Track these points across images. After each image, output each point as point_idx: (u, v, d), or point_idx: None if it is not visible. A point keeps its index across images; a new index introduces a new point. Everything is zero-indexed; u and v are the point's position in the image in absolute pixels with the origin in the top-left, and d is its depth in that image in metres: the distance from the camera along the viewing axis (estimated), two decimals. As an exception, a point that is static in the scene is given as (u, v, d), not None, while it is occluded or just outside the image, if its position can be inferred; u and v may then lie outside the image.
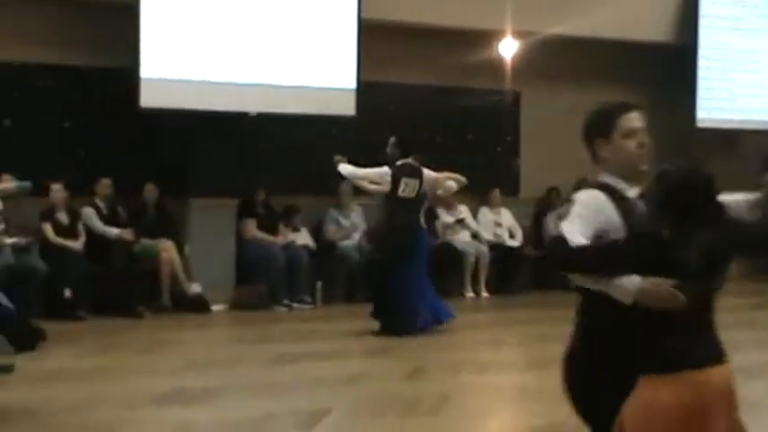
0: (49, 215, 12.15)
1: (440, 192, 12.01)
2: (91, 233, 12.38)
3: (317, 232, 14.04)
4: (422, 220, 11.50)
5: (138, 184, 12.73)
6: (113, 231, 12.42)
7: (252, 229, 13.35)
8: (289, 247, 13.34)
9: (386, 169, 11.12)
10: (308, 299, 13.30)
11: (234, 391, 8.29)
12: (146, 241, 12.64)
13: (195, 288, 12.70)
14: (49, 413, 7.34)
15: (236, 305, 12.96)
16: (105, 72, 12.63)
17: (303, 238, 13.70)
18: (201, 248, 12.95)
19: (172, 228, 12.96)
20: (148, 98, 12.39)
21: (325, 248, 13.80)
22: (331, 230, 13.99)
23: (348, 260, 13.77)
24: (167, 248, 12.62)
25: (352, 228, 14.06)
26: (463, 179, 11.60)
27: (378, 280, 11.35)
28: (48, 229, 12.06)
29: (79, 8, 12.37)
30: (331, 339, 11.05)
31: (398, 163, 11.16)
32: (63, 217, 12.24)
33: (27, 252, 11.73)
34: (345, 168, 11.26)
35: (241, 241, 13.33)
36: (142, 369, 9.19)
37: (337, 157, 11.36)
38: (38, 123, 12.57)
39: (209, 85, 12.73)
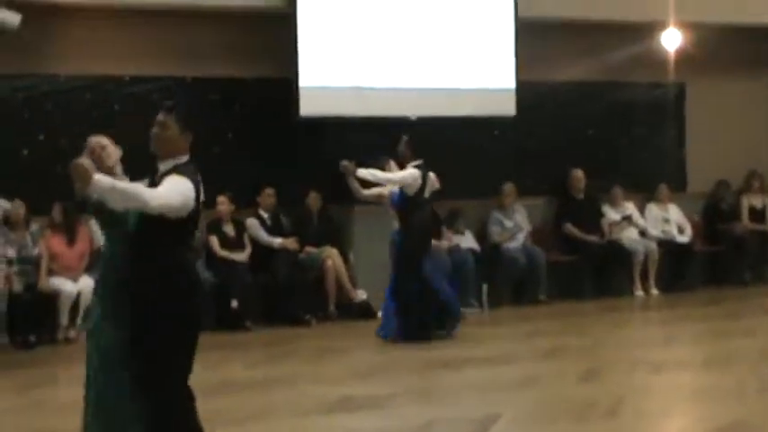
0: (215, 227, 12.29)
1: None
2: (256, 243, 12.47)
3: (481, 235, 13.85)
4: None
5: (301, 193, 12.77)
6: (277, 241, 12.49)
7: (415, 233, 13.22)
8: (453, 250, 13.19)
9: (416, 171, 10.90)
10: (475, 302, 13.14)
11: (401, 397, 8.18)
12: (310, 250, 12.67)
13: (361, 295, 12.68)
14: (221, 423, 7.33)
15: (402, 311, 12.85)
16: (265, 82, 12.74)
17: (467, 241, 13.55)
18: (366, 255, 12.91)
19: (336, 235, 12.97)
20: (308, 106, 12.45)
21: (489, 251, 13.61)
22: (495, 232, 13.79)
23: (513, 262, 13.55)
24: (332, 256, 12.63)
25: (516, 228, 13.83)
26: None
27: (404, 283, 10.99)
28: (214, 241, 12.20)
29: (240, 20, 12.49)
30: (499, 342, 10.87)
31: (417, 163, 10.95)
32: (229, 229, 12.37)
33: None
34: (368, 173, 10.90)
35: (405, 246, 13.22)
36: (310, 378, 9.16)
37: (346, 163, 10.94)
38: (203, 136, 12.67)
39: (368, 90, 12.71)
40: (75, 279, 11.26)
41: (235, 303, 11.88)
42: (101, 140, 6.14)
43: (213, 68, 12.65)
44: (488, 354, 10.07)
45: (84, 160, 5.33)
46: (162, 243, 5.37)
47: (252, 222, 12.57)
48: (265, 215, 12.66)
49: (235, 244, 12.34)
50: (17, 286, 11.00)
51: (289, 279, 12.31)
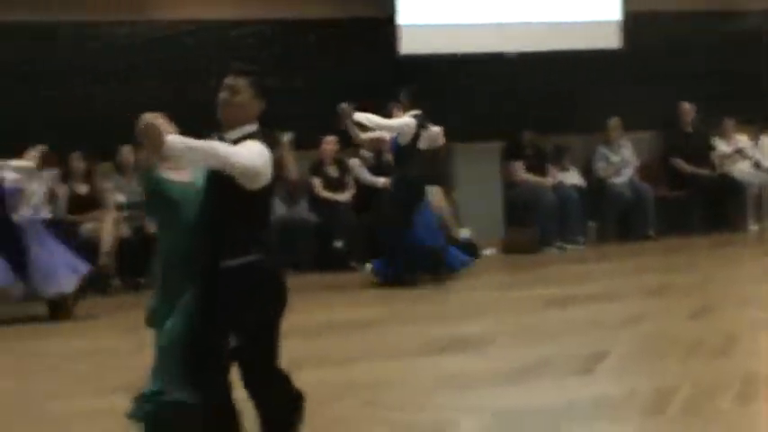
0: (318, 169, 12.30)
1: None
2: (359, 184, 12.46)
3: (586, 171, 13.65)
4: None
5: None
6: (381, 180, 12.43)
7: (520, 170, 13.13)
8: (558, 187, 13.05)
9: (412, 120, 10.63)
10: (581, 239, 13.01)
11: (508, 337, 8.12)
12: (413, 189, 12.61)
13: (465, 233, 12.59)
14: (326, 364, 7.38)
15: (507, 249, 12.80)
16: (363, 22, 12.65)
17: (572, 177, 13.37)
18: (469, 193, 12.83)
19: (439, 174, 12.87)
20: (408, 44, 12.33)
21: (595, 187, 13.41)
22: (600, 168, 13.56)
23: (620, 197, 13.33)
24: (435, 195, 12.53)
25: (622, 163, 13.59)
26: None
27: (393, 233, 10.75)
28: (316, 182, 12.22)
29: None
30: (606, 280, 10.71)
31: (414, 113, 10.70)
32: (332, 170, 12.38)
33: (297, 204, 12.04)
34: (365, 117, 10.57)
35: (509, 184, 13.13)
36: (415, 318, 9.13)
37: (344, 106, 10.63)
38: (305, 79, 12.72)
39: (467, 27, 12.55)
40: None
41: (339, 244, 11.90)
42: (155, 119, 5.13)
43: (312, 10, 12.60)
44: (594, 291, 9.93)
45: (157, 119, 4.79)
46: (237, 227, 4.77)
47: (355, 163, 12.54)
48: (368, 155, 12.61)
49: (338, 185, 12.34)
50: (126, 230, 11.15)
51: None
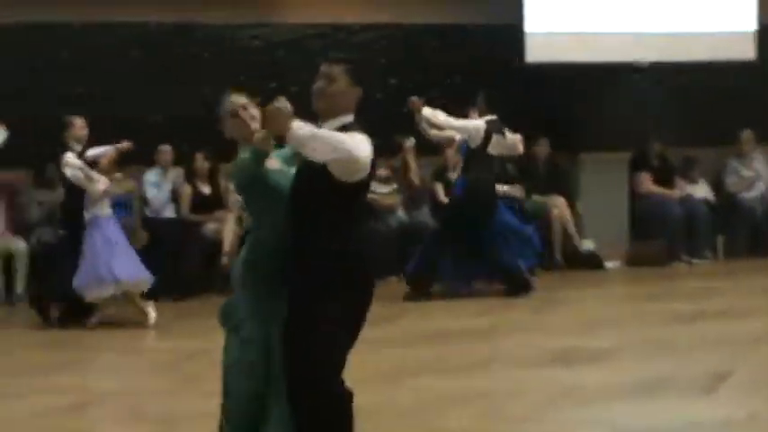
0: (440, 174, 12.23)
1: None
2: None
3: (716, 184, 13.30)
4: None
5: (527, 140, 12.53)
6: (502, 188, 12.31)
7: (647, 182, 12.88)
8: (686, 200, 12.75)
9: (482, 123, 10.38)
10: (709, 254, 12.71)
11: (627, 351, 7.93)
12: (536, 198, 12.47)
13: (588, 245, 12.40)
14: (439, 371, 7.31)
15: (632, 262, 12.54)
16: (489, 28, 12.53)
17: (702, 190, 13.06)
18: (593, 204, 12.63)
19: (563, 183, 12.72)
20: (534, 53, 12.17)
21: (725, 201, 13.06)
22: (731, 182, 13.20)
23: (751, 212, 12.97)
24: (558, 205, 12.40)
25: (754, 177, 13.19)
26: None
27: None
28: (439, 188, 12.14)
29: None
30: (733, 296, 10.40)
31: (489, 118, 10.44)
32: (454, 176, 12.27)
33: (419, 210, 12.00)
34: (432, 113, 10.32)
35: (635, 195, 12.88)
36: (533, 328, 9.01)
37: (414, 99, 10.31)
38: (423, 83, 12.65)
39: (596, 36, 12.29)
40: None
41: (459, 251, 11.79)
42: (243, 101, 5.29)
43: (438, 15, 12.52)
44: (721, 307, 9.66)
45: (283, 103, 4.50)
46: (329, 224, 4.57)
47: (478, 170, 12.43)
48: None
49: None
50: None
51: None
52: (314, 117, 4.74)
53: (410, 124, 12.15)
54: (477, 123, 10.46)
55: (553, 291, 10.97)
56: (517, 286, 10.46)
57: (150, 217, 11.27)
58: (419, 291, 10.42)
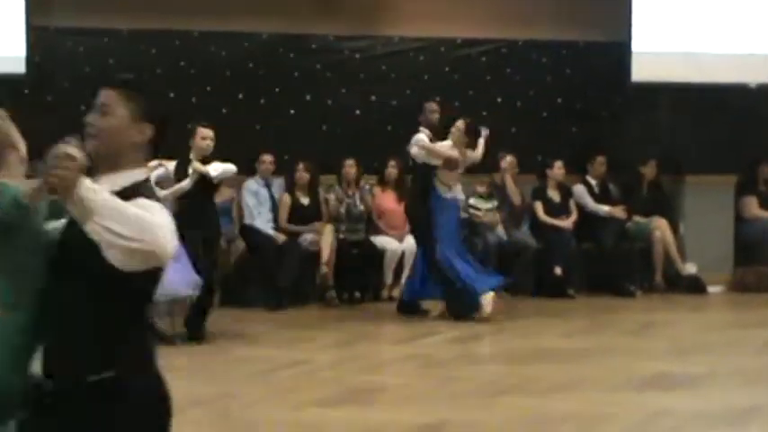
0: (540, 193, 12.16)
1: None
2: (582, 210, 12.24)
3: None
4: None
5: (631, 161, 12.41)
6: (604, 209, 12.21)
7: (753, 206, 12.64)
8: (794, 227, 12.46)
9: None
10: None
11: (721, 378, 7.73)
12: (639, 219, 12.30)
13: (690, 268, 12.21)
14: (528, 391, 7.23)
15: (735, 287, 12.31)
16: (596, 46, 12.44)
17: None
18: (697, 227, 12.43)
19: (666, 206, 12.53)
20: (641, 72, 12.04)
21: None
22: None
23: None
24: (661, 227, 12.22)
25: None
26: None
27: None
28: (539, 207, 12.07)
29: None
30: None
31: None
32: (555, 195, 12.20)
33: (519, 228, 11.93)
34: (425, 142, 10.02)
35: (740, 220, 12.62)
36: (628, 351, 8.85)
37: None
38: (531, 100, 12.61)
39: (703, 56, 12.14)
40: (400, 238, 11.44)
41: (558, 270, 11.69)
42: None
43: (544, 32, 12.45)
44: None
45: (73, 149, 3.04)
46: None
47: (579, 189, 12.34)
48: (593, 182, 12.39)
49: (560, 210, 12.14)
50: (345, 243, 11.28)
51: (615, 248, 12.01)
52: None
53: (513, 141, 12.16)
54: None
55: (651, 313, 10.83)
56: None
57: (248, 226, 11.37)
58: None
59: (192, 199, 8.83)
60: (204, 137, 8.98)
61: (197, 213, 8.81)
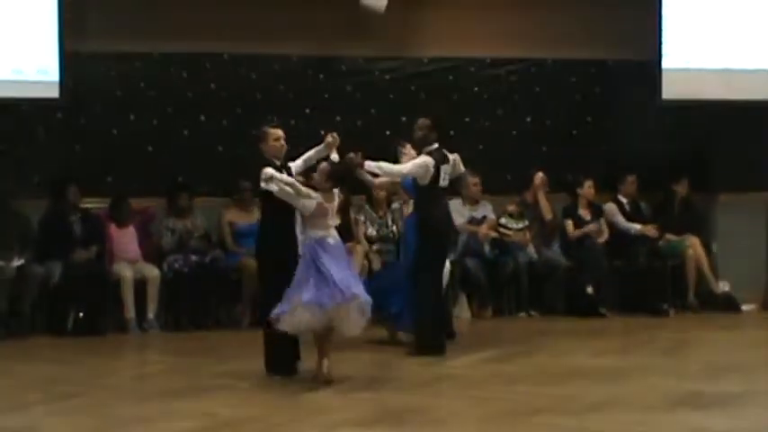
0: (571, 211, 12.14)
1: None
2: (613, 229, 12.20)
3: None
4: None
5: (663, 179, 12.38)
6: (636, 227, 12.17)
7: (786, 224, 12.58)
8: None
9: (429, 159, 9.25)
10: None
11: (756, 397, 7.67)
12: (671, 237, 12.25)
13: (723, 287, 12.15)
14: (560, 412, 7.21)
15: (768, 305, 12.23)
16: (626, 64, 12.44)
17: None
18: (730, 245, 12.39)
19: (698, 224, 12.48)
20: (671, 89, 12.02)
21: None
22: None
23: None
24: (693, 245, 12.18)
25: None
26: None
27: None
28: (569, 225, 12.04)
29: (598, 1, 12.25)
30: None
31: (432, 148, 9.35)
32: (585, 214, 12.17)
33: (549, 249, 12.00)
34: (377, 167, 9.25)
35: (774, 237, 12.58)
36: (661, 370, 8.81)
37: (351, 156, 9.08)
38: (562, 119, 12.62)
39: (734, 73, 12.11)
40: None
41: (590, 289, 11.66)
42: None
43: (573, 50, 12.46)
44: None
45: None
46: None
47: (610, 207, 12.32)
48: (624, 200, 12.37)
49: (590, 229, 12.15)
50: (376, 264, 11.27)
51: (647, 267, 11.97)
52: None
53: (543, 160, 12.16)
54: (423, 161, 9.31)
55: (685, 332, 10.78)
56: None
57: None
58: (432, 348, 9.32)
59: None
60: (277, 138, 8.48)
61: None
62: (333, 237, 8.25)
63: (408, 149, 9.68)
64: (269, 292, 8.19)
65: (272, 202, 8.26)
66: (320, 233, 8.15)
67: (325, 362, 8.05)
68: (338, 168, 8.45)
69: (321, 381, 7.98)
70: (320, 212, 8.16)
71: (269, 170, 8.14)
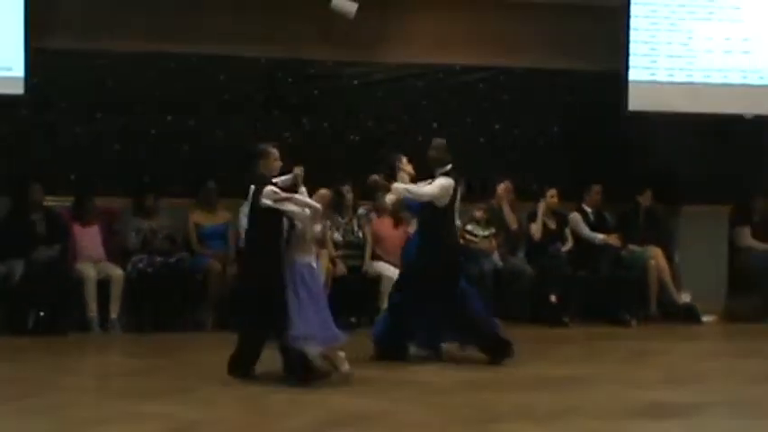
0: (535, 217, 12.16)
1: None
2: (577, 238, 12.27)
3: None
4: None
5: (627, 190, 12.45)
6: (599, 237, 12.24)
7: (747, 236, 12.70)
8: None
9: (451, 181, 9.21)
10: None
11: (713, 408, 7.72)
12: (634, 248, 12.33)
13: (685, 297, 12.23)
14: (521, 418, 7.24)
15: (729, 317, 12.34)
16: (593, 75, 12.49)
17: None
18: (692, 256, 12.47)
19: (661, 235, 12.56)
20: (637, 101, 12.10)
21: None
22: None
23: None
24: (656, 256, 12.25)
25: None
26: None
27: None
28: (535, 229, 12.07)
29: (569, 12, 12.31)
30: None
31: (448, 169, 9.30)
32: (550, 222, 12.22)
33: (514, 256, 12.02)
34: (406, 190, 9.18)
35: (734, 249, 12.65)
36: (621, 379, 8.86)
37: (376, 178, 9.26)
38: (528, 127, 12.67)
39: (700, 87, 12.21)
40: (396, 264, 11.41)
41: (554, 298, 11.71)
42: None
43: (542, 60, 12.51)
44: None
45: None
46: None
47: (575, 217, 12.38)
48: (589, 210, 12.43)
49: (554, 237, 12.17)
50: (341, 269, 11.27)
51: (610, 276, 12.02)
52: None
53: (510, 168, 12.21)
54: (443, 182, 9.22)
55: (645, 342, 10.83)
56: (497, 351, 9.34)
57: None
58: (388, 356, 9.33)
59: None
60: (276, 158, 8.38)
61: None
62: (314, 260, 8.47)
63: (405, 164, 9.47)
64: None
65: (268, 220, 8.25)
66: (307, 258, 8.34)
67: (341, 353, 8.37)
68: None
69: (343, 372, 8.30)
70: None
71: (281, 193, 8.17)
